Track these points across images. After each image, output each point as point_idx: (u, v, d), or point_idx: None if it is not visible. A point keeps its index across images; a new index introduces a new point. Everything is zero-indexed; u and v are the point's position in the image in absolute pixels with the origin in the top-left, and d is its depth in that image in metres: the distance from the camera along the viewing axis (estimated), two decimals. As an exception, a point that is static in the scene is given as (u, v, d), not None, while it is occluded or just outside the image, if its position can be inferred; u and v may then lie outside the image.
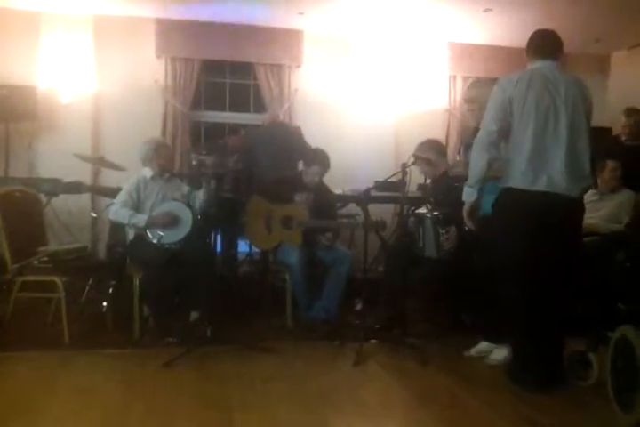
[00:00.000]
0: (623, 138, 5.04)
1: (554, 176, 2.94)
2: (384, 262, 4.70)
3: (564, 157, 2.93)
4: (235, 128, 6.23)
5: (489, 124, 2.98)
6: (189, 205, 3.98)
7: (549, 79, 2.97)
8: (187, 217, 3.90)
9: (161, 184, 4.12)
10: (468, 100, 3.22)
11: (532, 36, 3.14)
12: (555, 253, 2.99)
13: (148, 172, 4.09)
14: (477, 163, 2.99)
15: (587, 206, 3.32)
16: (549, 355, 3.06)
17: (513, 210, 3.03)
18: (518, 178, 2.99)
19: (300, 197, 4.30)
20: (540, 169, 2.94)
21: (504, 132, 2.99)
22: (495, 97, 3.01)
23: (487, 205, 3.25)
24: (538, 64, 3.05)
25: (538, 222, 2.94)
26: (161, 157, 4.10)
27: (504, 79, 3.05)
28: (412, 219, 3.93)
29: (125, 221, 3.91)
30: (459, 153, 3.17)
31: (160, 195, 4.07)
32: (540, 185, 2.94)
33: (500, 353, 3.45)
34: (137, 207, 3.97)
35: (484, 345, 3.57)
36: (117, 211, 3.92)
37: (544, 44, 3.06)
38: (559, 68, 3.04)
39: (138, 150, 4.12)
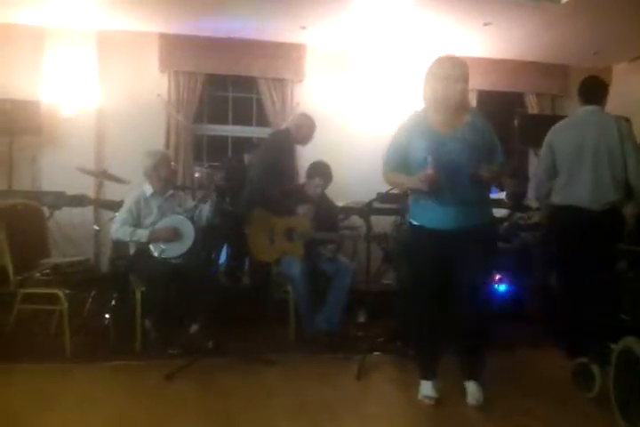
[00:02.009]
0: None
1: (580, 194, 3.59)
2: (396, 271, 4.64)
3: (589, 180, 3.57)
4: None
5: (543, 162, 3.82)
6: (192, 220, 3.93)
7: (586, 122, 3.67)
8: (189, 231, 3.87)
9: (161, 201, 4.07)
10: (457, 78, 3.02)
11: (579, 83, 3.85)
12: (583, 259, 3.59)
13: (148, 188, 4.07)
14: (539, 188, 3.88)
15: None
16: None
17: (554, 220, 3.82)
18: (556, 196, 3.73)
19: (302, 209, 4.31)
20: (571, 189, 3.64)
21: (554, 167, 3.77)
22: (545, 143, 3.80)
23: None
24: (581, 109, 3.76)
25: (569, 229, 3.63)
26: (162, 172, 4.05)
27: (552, 129, 3.82)
28: None
29: (127, 239, 3.90)
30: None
31: (160, 212, 4.02)
32: (570, 201, 3.63)
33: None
34: (137, 224, 3.95)
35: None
36: (118, 229, 3.92)
37: (586, 93, 3.76)
38: (599, 111, 3.70)
39: (141, 162, 4.10)
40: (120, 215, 4.00)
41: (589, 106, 3.72)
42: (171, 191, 4.16)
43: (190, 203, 4.19)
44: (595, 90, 3.76)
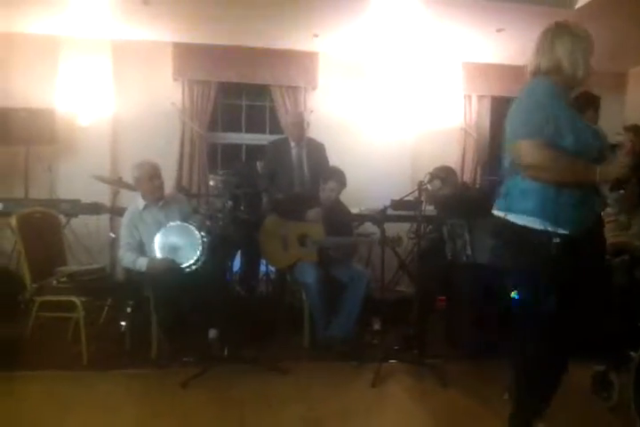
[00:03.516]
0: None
1: None
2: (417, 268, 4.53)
3: None
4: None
5: None
6: (194, 229, 3.87)
7: None
8: (190, 241, 3.82)
9: (155, 212, 4.04)
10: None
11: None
12: None
13: (140, 202, 4.04)
14: None
15: (613, 225, 3.93)
16: None
17: None
18: None
19: (311, 213, 4.29)
20: None
21: None
22: None
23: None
24: None
25: None
26: (149, 183, 4.00)
27: None
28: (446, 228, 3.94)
29: (131, 267, 3.90)
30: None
31: (156, 224, 3.97)
32: None
33: None
34: (140, 244, 3.95)
35: None
36: (123, 256, 3.94)
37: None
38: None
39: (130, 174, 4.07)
40: (123, 240, 4.00)
41: None
42: (162, 201, 4.10)
43: (189, 206, 4.21)
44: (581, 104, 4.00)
